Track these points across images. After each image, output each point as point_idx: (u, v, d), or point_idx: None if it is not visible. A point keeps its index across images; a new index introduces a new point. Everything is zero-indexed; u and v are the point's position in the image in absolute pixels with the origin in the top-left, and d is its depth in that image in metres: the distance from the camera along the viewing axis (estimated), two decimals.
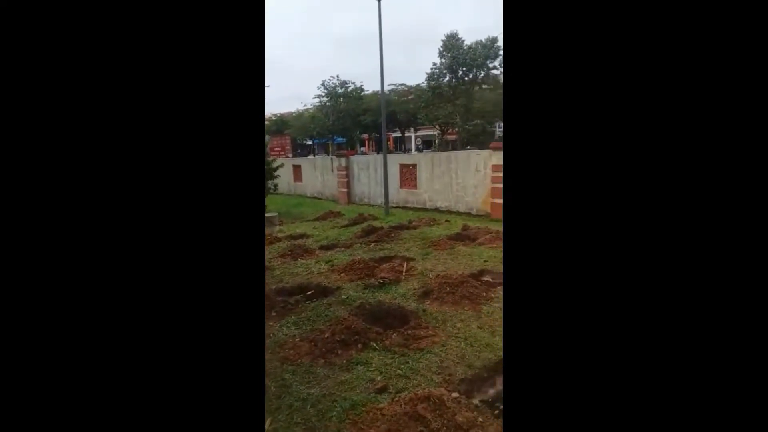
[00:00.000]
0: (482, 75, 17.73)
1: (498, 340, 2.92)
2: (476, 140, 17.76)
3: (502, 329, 3.08)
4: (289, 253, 5.64)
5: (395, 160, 10.61)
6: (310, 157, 22.48)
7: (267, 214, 7.86)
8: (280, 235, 7.17)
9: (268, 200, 9.51)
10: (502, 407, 2.25)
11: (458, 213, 8.79)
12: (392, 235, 6.60)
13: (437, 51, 17.59)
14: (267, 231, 7.17)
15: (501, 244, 5.73)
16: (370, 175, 11.24)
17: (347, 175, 11.96)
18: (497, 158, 7.85)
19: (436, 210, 9.28)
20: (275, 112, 29.34)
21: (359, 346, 2.88)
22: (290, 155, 22.29)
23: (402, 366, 2.62)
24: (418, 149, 28.04)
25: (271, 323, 3.37)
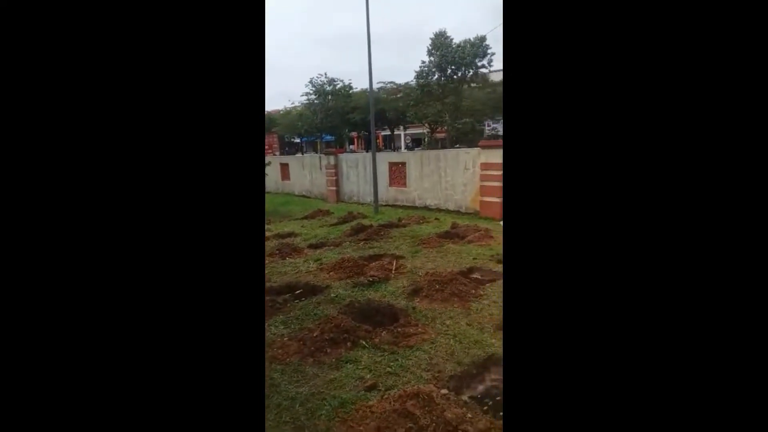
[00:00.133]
0: (471, 73, 17.81)
1: (487, 337, 2.95)
2: (465, 138, 17.85)
3: (491, 326, 3.11)
4: (277, 251, 5.59)
5: (384, 158, 10.60)
6: (298, 155, 22.31)
7: None
8: (267, 233, 7.11)
9: None
10: (491, 403, 2.26)
11: (447, 211, 8.82)
12: (382, 233, 6.59)
13: (426, 49, 17.61)
14: None
15: (490, 241, 5.78)
16: (359, 173, 11.21)
17: (336, 174, 11.91)
18: (486, 156, 7.90)
19: (426, 208, 9.30)
20: None
21: (348, 344, 2.87)
22: (278, 153, 22.08)
23: (391, 363, 2.62)
24: (407, 147, 28.08)
25: None
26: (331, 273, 4.57)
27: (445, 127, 18.50)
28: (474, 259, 4.96)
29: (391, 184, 10.27)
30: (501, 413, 2.12)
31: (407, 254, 5.28)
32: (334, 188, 11.94)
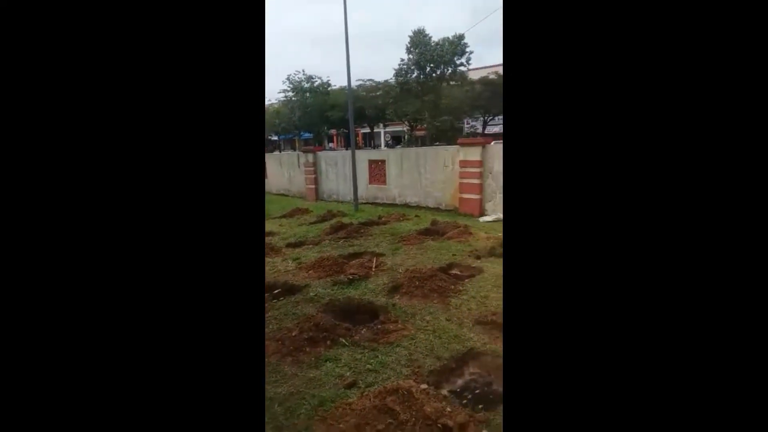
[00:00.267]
0: (449, 72, 17.97)
1: (466, 332, 2.98)
2: (445, 136, 18.01)
3: (470, 321, 3.15)
4: None
5: (364, 156, 10.57)
6: (276, 153, 22.00)
7: None
8: None
9: None
10: (469, 396, 2.29)
11: (427, 208, 8.88)
12: (361, 231, 6.58)
13: (405, 47, 17.65)
14: None
15: (469, 238, 5.85)
16: (339, 171, 11.14)
17: (315, 172, 11.80)
18: (464, 154, 7.98)
19: (406, 205, 9.34)
20: None
21: (328, 342, 2.85)
22: None
23: (371, 360, 2.62)
24: (387, 145, 28.09)
25: None
26: (310, 272, 4.53)
27: (425, 125, 18.60)
28: (453, 255, 5.01)
29: (370, 182, 10.25)
30: (480, 406, 2.15)
31: (387, 252, 5.29)
32: (313, 186, 11.83)
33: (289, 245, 5.99)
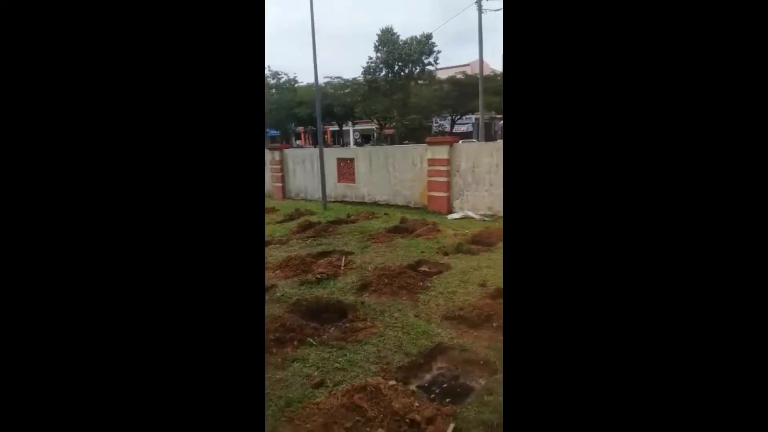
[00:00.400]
0: (418, 71, 18.12)
1: (434, 327, 3.02)
2: (413, 135, 18.17)
3: (438, 316, 3.19)
4: None
5: (332, 154, 10.47)
6: None
7: None
8: None
9: None
10: (437, 390, 2.32)
11: (397, 206, 8.92)
12: (330, 229, 6.52)
13: (373, 45, 17.63)
14: None
15: (437, 235, 5.93)
16: (307, 169, 10.98)
17: (282, 170, 11.57)
18: (432, 153, 8.08)
19: (375, 204, 9.34)
20: None
21: (295, 343, 2.81)
22: None
23: (340, 359, 2.60)
24: (356, 143, 27.98)
25: None
26: (277, 271, 4.44)
27: (394, 124, 18.68)
28: (422, 252, 5.06)
29: (339, 180, 10.18)
30: (447, 399, 2.19)
31: (356, 250, 5.27)
32: (280, 185, 11.60)
33: None
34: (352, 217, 7.63)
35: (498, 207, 7.37)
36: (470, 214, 7.42)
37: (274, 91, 19.70)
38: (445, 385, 2.40)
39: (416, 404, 2.04)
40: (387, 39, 17.24)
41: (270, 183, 12.03)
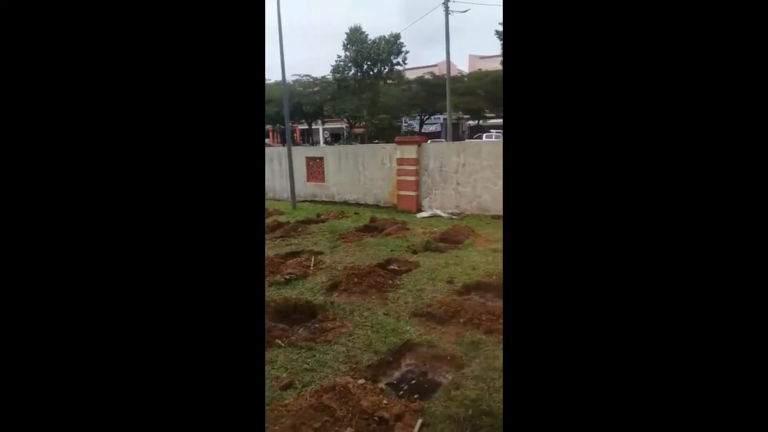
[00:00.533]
0: (387, 70, 18.18)
1: (403, 324, 3.06)
2: (383, 134, 18.23)
3: (407, 313, 3.23)
4: None
5: (301, 152, 10.33)
6: None
7: None
8: None
9: None
10: (406, 387, 2.36)
11: (367, 205, 8.93)
12: (299, 229, 6.44)
13: (341, 44, 17.54)
14: None
15: (406, 233, 5.99)
16: (275, 168, 10.78)
17: None
18: (401, 152, 8.15)
19: (345, 203, 9.31)
20: None
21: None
22: None
23: (309, 360, 2.59)
24: (326, 142, 27.74)
25: None
26: None
27: (363, 123, 18.66)
28: (392, 251, 5.10)
29: (308, 180, 10.07)
30: (415, 396, 2.23)
31: (326, 249, 5.24)
32: None
33: None
34: (321, 217, 7.57)
35: (464, 205, 7.53)
36: (438, 212, 7.54)
37: None
38: (413, 382, 2.44)
39: (385, 402, 2.07)
40: (356, 38, 17.19)
41: None
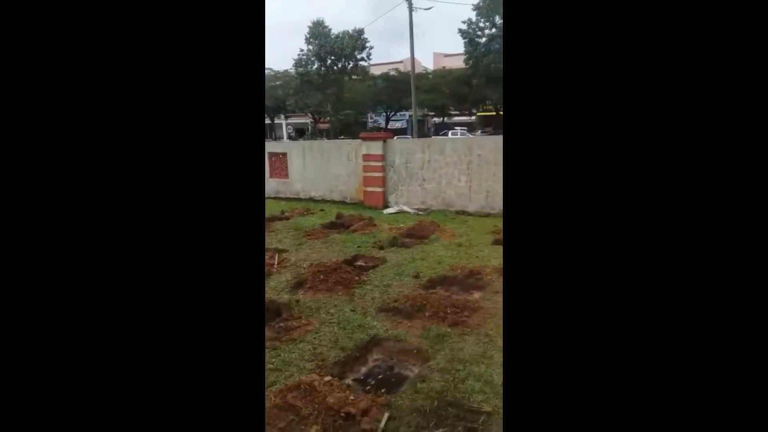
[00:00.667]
0: (351, 66, 18.05)
1: (370, 320, 3.06)
2: (349, 130, 18.11)
3: (374, 309, 3.23)
4: None
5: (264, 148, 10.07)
6: None
7: None
8: None
9: None
10: (373, 382, 2.36)
11: (333, 202, 8.84)
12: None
13: (304, 38, 17.21)
14: None
15: (373, 229, 5.99)
16: None
17: None
18: (367, 148, 8.13)
19: (311, 199, 9.17)
20: None
21: None
22: None
23: (273, 360, 2.53)
24: (290, 137, 27.18)
25: None
26: None
27: (328, 118, 18.44)
28: (358, 247, 5.09)
29: (272, 176, 9.83)
30: (382, 390, 2.23)
31: (291, 247, 5.14)
32: None
33: None
34: (286, 214, 7.42)
35: (430, 201, 7.63)
36: (405, 208, 7.60)
37: None
38: (380, 377, 2.45)
39: (351, 397, 2.06)
40: (318, 32, 16.93)
41: None
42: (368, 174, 8.20)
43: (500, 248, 4.97)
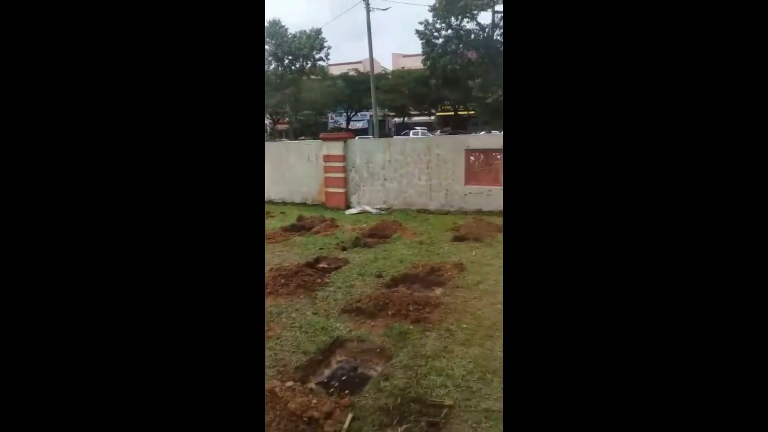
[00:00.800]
0: (309, 65, 17.82)
1: (332, 322, 3.04)
2: (309, 131, 17.88)
3: (336, 311, 3.21)
4: None
5: None
6: None
7: None
8: None
9: None
10: (336, 384, 2.35)
11: (294, 203, 8.70)
12: None
13: None
14: None
15: (335, 231, 5.96)
16: None
17: None
18: (328, 149, 8.06)
19: (270, 202, 8.96)
20: None
21: None
22: None
23: None
24: None
25: None
26: None
27: (287, 119, 18.10)
28: (320, 249, 5.04)
29: None
30: (346, 391, 2.23)
31: None
32: None
33: None
34: None
35: (391, 200, 7.70)
36: (367, 208, 7.61)
37: None
38: (344, 378, 2.44)
39: (314, 401, 2.04)
40: (275, 31, 16.59)
41: None
42: (329, 175, 8.14)
43: (459, 245, 5.11)
